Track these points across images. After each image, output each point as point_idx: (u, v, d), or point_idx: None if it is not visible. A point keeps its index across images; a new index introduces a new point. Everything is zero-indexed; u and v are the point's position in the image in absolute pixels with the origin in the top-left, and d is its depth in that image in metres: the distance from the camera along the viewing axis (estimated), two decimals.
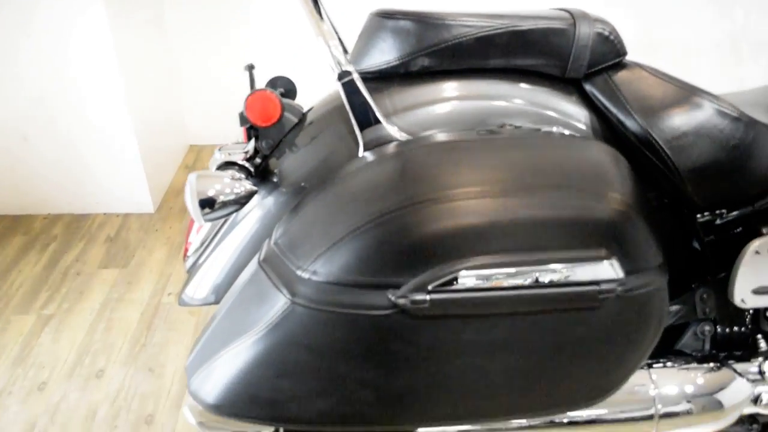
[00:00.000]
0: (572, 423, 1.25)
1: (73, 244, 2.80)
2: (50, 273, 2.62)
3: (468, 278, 0.95)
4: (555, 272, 0.97)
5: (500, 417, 1.11)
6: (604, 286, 0.98)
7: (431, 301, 0.95)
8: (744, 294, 1.27)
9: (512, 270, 0.96)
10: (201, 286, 1.34)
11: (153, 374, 2.14)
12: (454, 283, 0.95)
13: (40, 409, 2.01)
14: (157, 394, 2.06)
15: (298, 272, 0.99)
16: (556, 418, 1.24)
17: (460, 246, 0.95)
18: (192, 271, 1.39)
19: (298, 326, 0.99)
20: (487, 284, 0.96)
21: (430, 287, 0.95)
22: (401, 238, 0.95)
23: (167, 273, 2.61)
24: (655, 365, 1.30)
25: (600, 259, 0.98)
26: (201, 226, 1.40)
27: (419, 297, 0.94)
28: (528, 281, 0.97)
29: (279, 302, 1.01)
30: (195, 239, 1.43)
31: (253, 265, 1.13)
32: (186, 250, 1.46)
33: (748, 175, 1.27)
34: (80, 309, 2.43)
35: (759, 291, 1.27)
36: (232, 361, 1.06)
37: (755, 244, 1.25)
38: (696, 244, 1.35)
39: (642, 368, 1.29)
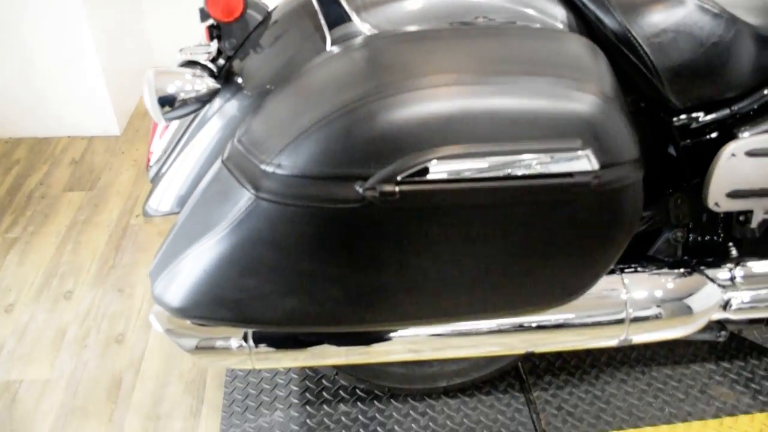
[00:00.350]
0: (542, 327, 1.25)
1: (37, 168, 2.72)
2: (14, 197, 2.55)
3: (438, 169, 0.92)
4: (528, 163, 0.94)
5: (470, 316, 1.10)
6: (578, 179, 0.95)
7: (400, 192, 0.92)
8: (718, 198, 1.26)
9: (484, 160, 0.92)
10: (165, 197, 1.29)
11: (123, 295, 2.10)
12: (424, 174, 0.92)
13: (7, 331, 1.97)
14: (127, 314, 2.03)
15: (263, 166, 0.95)
16: (527, 322, 1.23)
17: (430, 135, 0.91)
18: (155, 180, 1.34)
19: (263, 222, 0.96)
20: (458, 175, 0.92)
21: (399, 178, 0.91)
22: (369, 127, 0.90)
23: (135, 195, 2.55)
24: (627, 270, 1.30)
25: (575, 150, 0.95)
26: (163, 134, 1.35)
27: (388, 188, 0.91)
28: (500, 172, 0.94)
29: (243, 198, 0.97)
30: (157, 148, 1.38)
31: (216, 165, 1.09)
32: (148, 159, 1.40)
33: (726, 76, 1.24)
34: (46, 232, 2.37)
35: (733, 195, 1.26)
36: (196, 262, 1.03)
37: (731, 146, 1.23)
38: (672, 150, 1.33)
39: (614, 273, 1.28)
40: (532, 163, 0.94)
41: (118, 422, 1.71)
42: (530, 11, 1.19)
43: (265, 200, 0.95)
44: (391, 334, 1.22)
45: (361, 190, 0.92)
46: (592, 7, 1.19)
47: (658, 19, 1.17)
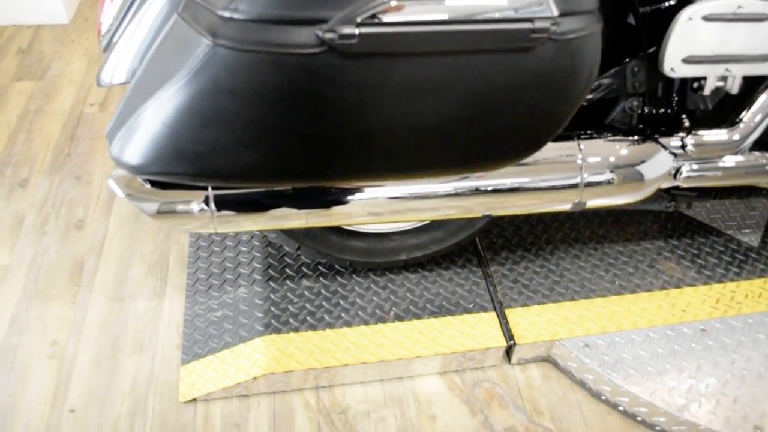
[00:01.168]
0: (500, 190, 1.27)
1: None
2: None
3: (398, 11, 0.91)
4: (489, 7, 0.93)
5: (429, 171, 1.11)
6: (537, 24, 0.95)
7: (360, 35, 0.91)
8: (674, 63, 1.28)
9: (444, 4, 0.92)
10: (119, 66, 1.26)
11: (80, 182, 2.07)
12: (384, 16, 0.91)
13: None
14: (86, 200, 2.01)
15: (219, 12, 0.93)
16: (484, 186, 1.26)
17: None
18: (108, 49, 1.30)
19: (222, 70, 0.94)
20: (419, 18, 0.92)
21: (358, 20, 0.90)
22: None
23: (87, 84, 2.48)
24: (583, 137, 1.32)
25: None
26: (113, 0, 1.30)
27: (348, 31, 0.90)
28: (459, 15, 0.93)
29: (200, 47, 0.95)
30: (108, 14, 1.33)
31: (171, 19, 1.06)
32: (99, 28, 1.36)
33: None
34: None
35: (689, 60, 1.28)
36: (153, 115, 1.02)
37: (688, 10, 1.24)
38: (630, 18, 1.33)
39: (571, 139, 1.30)
40: (491, 6, 0.93)
41: (82, 304, 1.72)
42: None
43: (223, 47, 0.93)
44: (351, 196, 1.24)
45: (320, 33, 0.91)
46: None
47: None
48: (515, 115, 1.05)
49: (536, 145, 1.13)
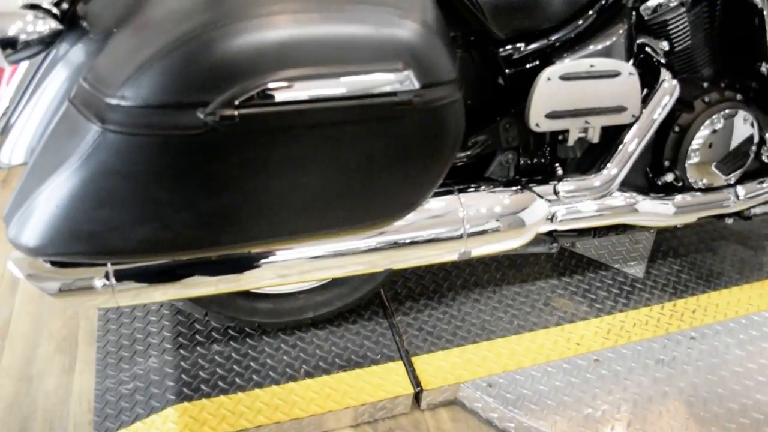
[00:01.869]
0: (390, 246, 1.36)
1: None
2: None
3: (273, 92, 0.99)
4: (355, 83, 1.03)
5: (316, 234, 1.19)
6: (401, 97, 1.06)
7: (240, 116, 0.99)
8: (538, 119, 1.41)
9: (315, 83, 1.01)
10: (17, 147, 1.29)
11: None
12: (261, 97, 0.99)
13: None
14: None
15: (107, 99, 0.99)
16: (371, 243, 1.34)
17: (264, 61, 0.99)
18: (5, 131, 1.33)
19: (112, 153, 1.00)
20: (292, 97, 1.01)
21: (237, 102, 0.98)
22: (206, 55, 0.97)
23: None
24: (464, 190, 1.43)
25: (397, 71, 1.05)
26: (10, 81, 1.34)
27: (228, 113, 0.98)
28: (330, 93, 1.03)
29: (90, 132, 1.01)
30: (4, 96, 1.37)
31: (63, 105, 1.11)
32: None
33: (543, 9, 1.39)
34: None
35: (551, 115, 1.41)
36: (48, 199, 1.06)
37: (547, 71, 1.38)
38: (500, 79, 1.46)
39: (452, 193, 1.41)
40: (359, 83, 1.03)
41: None
42: None
43: (112, 132, 0.99)
44: (250, 262, 1.30)
45: (202, 116, 0.98)
46: None
47: None
48: (391, 178, 1.14)
49: (415, 203, 1.23)
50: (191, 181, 1.03)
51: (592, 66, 1.39)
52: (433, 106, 1.10)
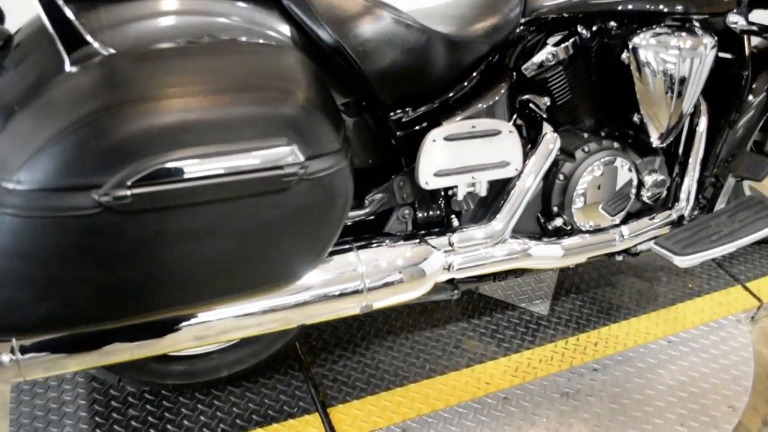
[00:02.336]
0: (286, 307, 1.41)
1: None
2: None
3: (164, 172, 1.06)
4: (243, 160, 1.11)
5: (219, 299, 1.24)
6: (287, 170, 1.13)
7: (133, 196, 1.04)
8: (427, 177, 1.51)
9: (204, 161, 1.08)
10: None
11: None
12: (153, 177, 1.05)
13: None
14: None
15: (3, 184, 1.03)
16: (277, 302, 1.40)
17: (155, 143, 1.05)
18: None
19: (9, 236, 1.04)
20: (183, 176, 1.07)
21: (129, 183, 1.04)
22: (98, 139, 1.02)
23: None
24: (364, 246, 1.51)
25: (282, 146, 1.13)
26: None
27: (121, 193, 1.03)
28: (219, 171, 1.10)
29: None
30: None
31: None
32: None
33: (425, 75, 1.49)
34: None
35: (439, 174, 1.51)
36: None
37: (432, 134, 1.49)
38: (392, 141, 1.56)
39: (351, 250, 1.48)
40: (247, 160, 1.11)
41: None
42: (256, 28, 1.35)
43: (9, 215, 1.03)
44: (165, 326, 1.33)
45: (96, 197, 1.03)
46: (308, 23, 1.38)
47: (362, 31, 1.38)
48: (287, 243, 1.22)
49: (312, 263, 1.30)
50: (90, 259, 1.08)
51: (473, 127, 1.50)
52: (320, 175, 1.18)
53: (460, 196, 1.56)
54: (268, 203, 1.16)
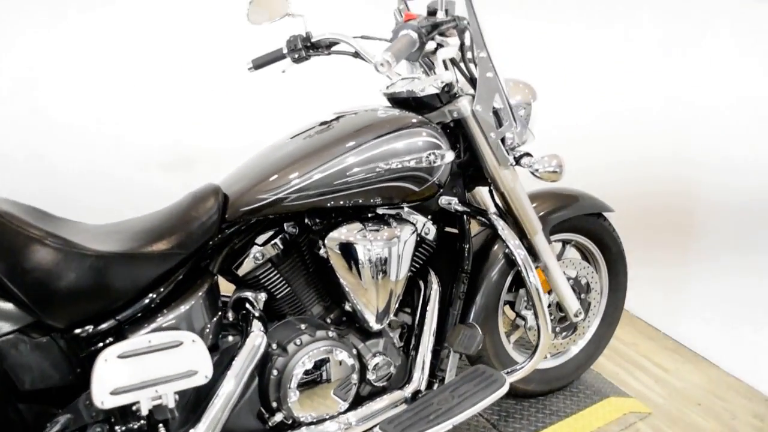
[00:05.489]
0: None
1: None
2: None
3: None
4: None
5: None
6: None
7: None
8: (103, 397, 1.49)
9: None
10: None
11: None
12: None
13: None
14: None
15: None
16: None
17: None
18: None
19: None
20: None
21: None
22: None
23: None
24: None
25: None
26: None
27: None
28: None
29: None
30: None
31: None
32: None
33: (104, 294, 1.51)
34: None
35: (116, 392, 1.49)
36: None
37: (104, 353, 1.49)
38: (77, 359, 1.54)
39: None
40: None
41: None
42: None
43: None
44: None
45: None
46: None
47: (27, 264, 1.40)
48: None
49: None
50: None
51: (150, 342, 1.52)
52: None
53: (143, 412, 1.54)
54: None
